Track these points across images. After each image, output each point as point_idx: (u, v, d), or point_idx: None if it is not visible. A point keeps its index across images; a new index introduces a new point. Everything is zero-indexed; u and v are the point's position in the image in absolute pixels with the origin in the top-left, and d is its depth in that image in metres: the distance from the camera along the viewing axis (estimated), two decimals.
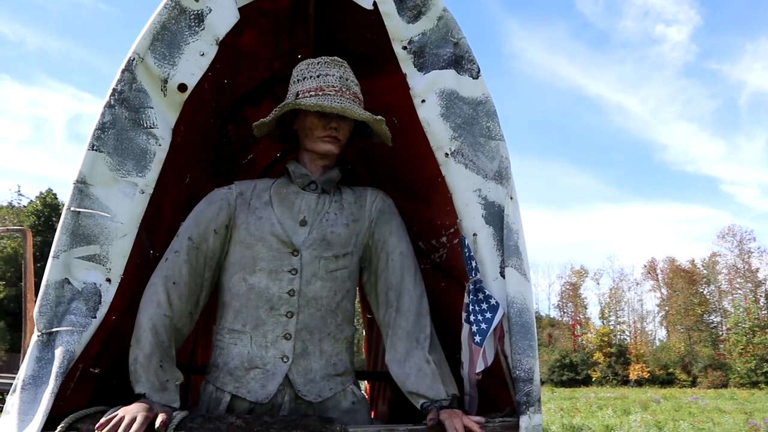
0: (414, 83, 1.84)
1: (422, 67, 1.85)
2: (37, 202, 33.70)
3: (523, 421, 1.60)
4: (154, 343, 1.64)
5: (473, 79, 1.84)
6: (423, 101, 1.81)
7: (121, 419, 1.44)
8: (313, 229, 1.81)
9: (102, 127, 1.68)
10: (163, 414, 1.49)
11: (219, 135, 2.67)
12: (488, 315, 1.67)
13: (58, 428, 1.43)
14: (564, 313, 68.67)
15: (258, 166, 3.03)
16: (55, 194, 33.86)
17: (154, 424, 1.46)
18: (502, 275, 1.73)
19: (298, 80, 1.84)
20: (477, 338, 1.68)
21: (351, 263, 1.85)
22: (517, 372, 1.64)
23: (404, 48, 1.84)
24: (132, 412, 1.47)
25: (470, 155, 1.79)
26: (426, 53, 1.85)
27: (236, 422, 1.51)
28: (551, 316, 68.53)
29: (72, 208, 1.63)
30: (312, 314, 1.76)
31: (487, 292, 1.69)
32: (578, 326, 62.64)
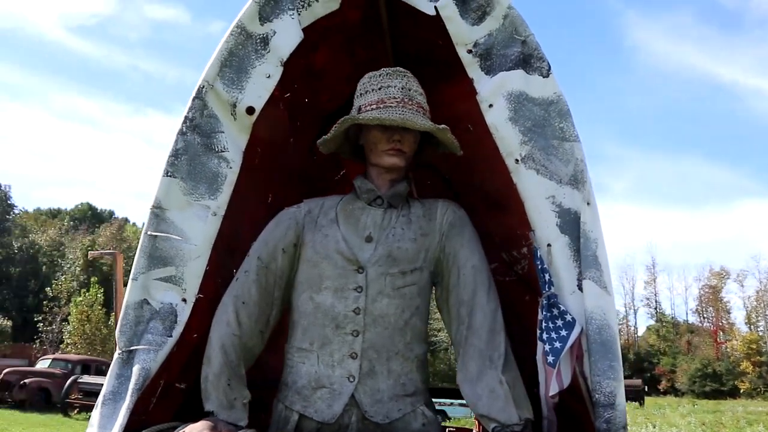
0: (481, 87, 1.77)
1: (489, 69, 1.77)
2: None
3: None
4: (223, 363, 1.67)
5: (543, 77, 1.73)
6: (490, 106, 1.74)
7: None
8: (378, 245, 1.77)
9: (175, 154, 1.75)
10: (220, 430, 1.51)
11: (309, 153, 2.71)
12: (563, 333, 1.55)
13: None
14: (704, 318, 64.13)
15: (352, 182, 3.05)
16: None
17: None
18: (580, 288, 1.60)
19: (360, 94, 1.82)
20: (550, 358, 1.56)
21: (421, 279, 1.78)
22: (597, 396, 1.51)
23: (469, 51, 1.78)
24: (197, 429, 1.50)
25: (542, 160, 1.68)
26: (493, 55, 1.77)
27: None
28: (689, 322, 64.20)
29: (149, 233, 1.71)
30: (379, 333, 1.72)
31: (562, 308, 1.58)
32: (721, 332, 58.20)
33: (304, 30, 1.93)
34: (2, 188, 53.31)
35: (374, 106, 1.75)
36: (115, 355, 1.63)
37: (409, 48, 2.44)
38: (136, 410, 1.60)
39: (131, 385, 1.58)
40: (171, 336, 1.67)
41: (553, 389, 1.57)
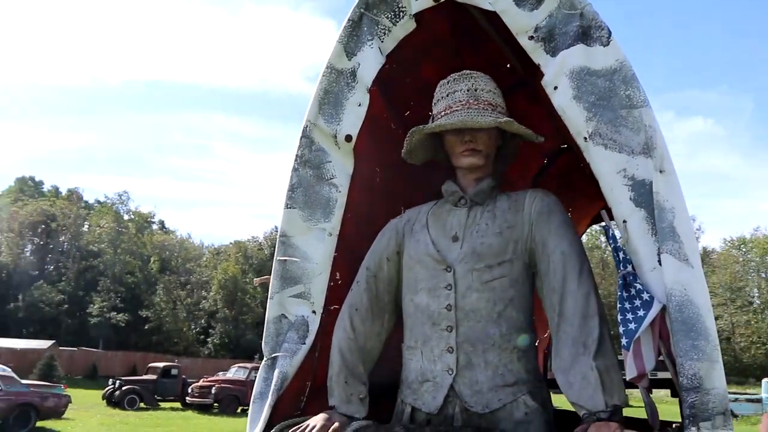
0: (546, 71, 1.71)
1: (554, 51, 1.71)
2: None
3: None
4: (341, 364, 1.90)
5: (604, 46, 1.61)
6: (555, 88, 1.67)
7: (306, 426, 1.73)
8: (464, 243, 1.82)
9: (292, 188, 2.04)
10: (336, 423, 1.72)
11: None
12: (640, 313, 1.41)
13: None
14: None
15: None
16: None
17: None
18: (660, 264, 1.45)
19: (435, 103, 1.90)
20: (624, 340, 1.43)
21: (512, 271, 1.78)
22: (681, 378, 1.35)
23: (531, 38, 1.74)
24: (315, 420, 1.75)
25: (609, 133, 1.56)
26: (556, 35, 1.71)
27: (396, 429, 1.65)
28: None
29: (278, 258, 2.03)
30: (472, 326, 1.76)
31: (639, 287, 1.44)
32: None
33: (399, 51, 2.08)
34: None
35: (443, 113, 1.82)
36: (262, 363, 1.97)
37: (501, 49, 2.39)
38: (284, 408, 1.92)
39: (272, 387, 1.89)
40: (304, 344, 1.95)
41: (630, 373, 1.45)
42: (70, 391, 17.71)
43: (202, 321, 57.96)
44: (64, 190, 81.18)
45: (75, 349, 43.97)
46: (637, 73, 1.57)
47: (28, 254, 72.32)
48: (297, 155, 2.06)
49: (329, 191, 2.03)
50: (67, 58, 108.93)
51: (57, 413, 15.56)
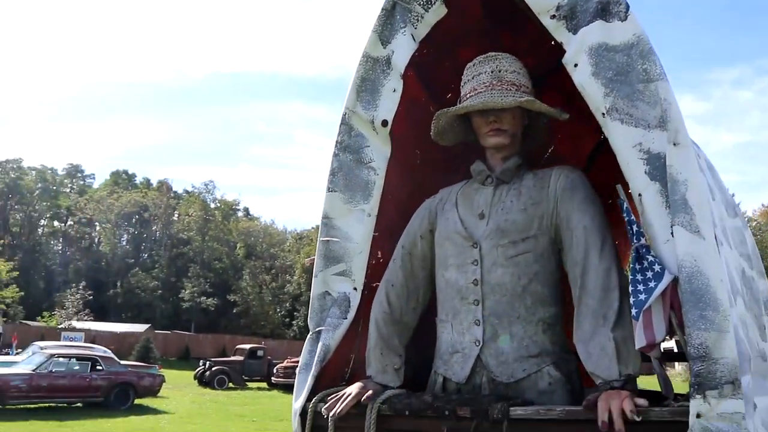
0: (568, 49, 1.74)
1: (576, 28, 1.73)
2: None
3: (694, 406, 1.32)
4: (377, 336, 2.01)
5: (622, 21, 1.63)
6: (576, 65, 1.70)
7: (343, 394, 1.86)
8: (489, 220, 1.88)
9: (333, 173, 2.16)
10: (370, 391, 1.84)
11: None
12: (651, 284, 1.44)
13: (313, 400, 1.93)
14: None
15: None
16: None
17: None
18: (673, 236, 1.47)
19: (462, 86, 1.96)
20: (633, 311, 1.46)
21: (536, 246, 1.82)
22: (688, 348, 1.37)
23: (552, 17, 1.77)
24: (352, 388, 1.87)
25: (626, 108, 1.58)
26: (577, 12, 1.73)
27: (426, 398, 1.75)
28: None
29: (321, 239, 2.15)
30: (497, 300, 1.83)
31: (651, 259, 1.46)
32: None
33: (435, 36, 2.15)
34: None
35: (468, 95, 1.89)
36: (308, 336, 2.11)
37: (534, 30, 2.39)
38: (329, 379, 2.05)
39: (316, 358, 2.02)
40: (346, 318, 2.07)
41: (639, 342, 1.47)
42: (165, 372, 18.79)
43: (287, 304, 59.68)
44: (154, 182, 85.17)
45: (169, 332, 46.41)
46: (654, 47, 1.58)
47: (124, 243, 76.56)
48: (337, 141, 2.17)
49: (368, 174, 2.14)
50: (152, 56, 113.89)
51: (152, 392, 16.56)
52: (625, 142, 1.59)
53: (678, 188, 1.47)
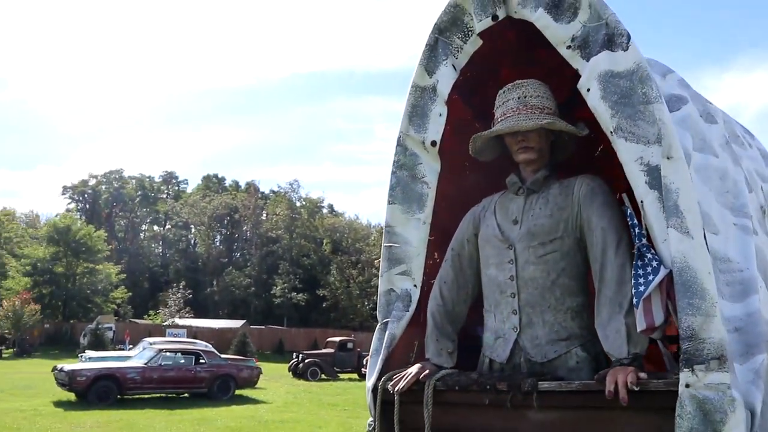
0: (582, 75, 2.02)
1: (588, 57, 2.01)
2: None
3: (683, 378, 1.59)
4: (432, 325, 2.35)
5: (624, 51, 1.88)
6: (588, 90, 1.98)
7: (406, 374, 2.22)
8: (522, 225, 2.18)
9: (392, 187, 2.52)
10: (427, 370, 2.19)
11: None
12: (650, 277, 1.72)
13: (382, 379, 2.30)
14: None
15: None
16: None
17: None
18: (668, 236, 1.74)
19: (495, 111, 2.27)
20: (635, 300, 1.74)
21: (563, 246, 2.10)
22: (679, 330, 1.64)
23: (568, 47, 2.04)
24: (412, 369, 2.23)
25: (628, 127, 1.84)
26: (589, 42, 2.00)
27: (472, 376, 2.09)
28: None
29: (385, 245, 2.52)
30: (530, 293, 2.13)
31: (649, 256, 1.73)
32: None
33: (476, 61, 2.47)
34: None
35: (499, 120, 2.21)
36: (377, 327, 2.49)
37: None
38: (396, 363, 2.42)
39: (384, 345, 2.40)
40: (408, 311, 2.43)
41: (640, 326, 1.75)
42: (261, 365, 19.84)
43: (374, 297, 60.70)
44: (243, 184, 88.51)
45: (263, 327, 48.37)
46: (651, 73, 1.84)
47: (217, 244, 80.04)
48: (394, 161, 2.53)
49: (421, 188, 2.49)
50: (232, 63, 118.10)
51: (251, 383, 17.57)
52: (629, 156, 1.86)
53: (671, 196, 1.73)
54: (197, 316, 52.62)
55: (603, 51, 1.94)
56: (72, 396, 15.61)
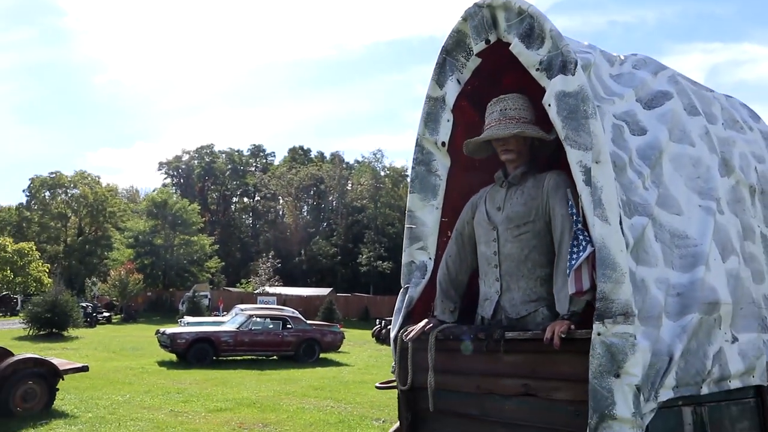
0: (547, 92, 2.55)
1: (550, 78, 2.53)
2: None
3: (595, 329, 2.12)
4: (440, 290, 2.96)
5: (573, 75, 2.40)
6: (549, 105, 2.50)
7: (415, 326, 2.86)
8: (503, 211, 2.74)
9: (412, 180, 3.13)
10: (431, 324, 2.81)
11: None
12: (581, 254, 2.27)
13: (401, 332, 2.94)
14: None
15: None
16: None
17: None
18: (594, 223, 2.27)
19: (485, 120, 2.83)
20: (568, 270, 2.30)
21: (534, 228, 2.64)
22: (597, 294, 2.19)
23: (537, 69, 2.56)
24: (422, 322, 2.85)
25: (573, 136, 2.35)
26: (553, 65, 2.52)
27: (463, 328, 2.70)
28: None
29: (407, 226, 3.14)
30: (509, 265, 2.69)
31: (581, 237, 2.27)
32: None
33: (481, 73, 3.02)
34: None
35: (485, 128, 2.77)
36: (400, 291, 3.13)
37: None
38: (414, 320, 3.05)
39: (404, 305, 3.04)
40: (424, 278, 3.06)
41: (570, 290, 2.30)
42: (346, 331, 20.98)
43: None
44: (328, 155, 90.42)
45: (349, 294, 50.07)
46: (590, 93, 2.35)
47: (305, 214, 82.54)
48: (414, 158, 3.14)
49: (435, 180, 3.09)
50: (314, 34, 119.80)
51: (334, 347, 18.71)
52: (572, 159, 2.36)
53: (596, 192, 2.24)
54: (286, 284, 54.97)
55: (559, 75, 2.45)
56: (173, 357, 17.33)
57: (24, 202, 75.15)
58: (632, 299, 2.15)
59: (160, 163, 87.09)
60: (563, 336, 2.25)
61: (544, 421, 2.38)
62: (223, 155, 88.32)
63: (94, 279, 48.68)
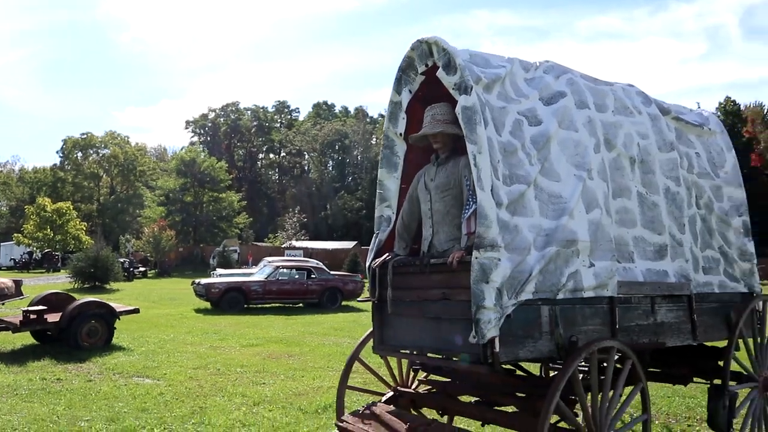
0: (458, 105, 3.87)
1: (460, 95, 3.85)
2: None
3: (474, 253, 3.45)
4: (397, 234, 4.29)
5: (468, 95, 3.71)
6: (458, 114, 3.82)
7: (380, 258, 4.26)
8: (435, 181, 4.06)
9: (381, 159, 4.47)
10: (390, 256, 4.20)
11: None
12: (470, 209, 3.65)
13: (371, 263, 4.35)
14: None
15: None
16: (734, 101, 33.59)
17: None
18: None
19: (423, 120, 4.17)
20: (462, 219, 3.69)
21: (453, 193, 3.94)
22: (474, 236, 3.56)
23: (453, 88, 3.87)
24: (384, 256, 4.24)
25: (469, 135, 3.62)
26: (461, 87, 3.82)
27: (409, 258, 4.10)
28: None
29: (378, 191, 4.51)
30: (437, 217, 4.02)
31: (470, 199, 3.63)
32: None
33: (428, 84, 4.35)
34: None
35: (423, 126, 4.11)
36: (373, 236, 4.52)
37: None
38: (382, 254, 4.45)
39: (375, 246, 4.42)
40: (389, 227, 4.44)
41: (464, 231, 3.67)
42: (367, 281, 22.46)
43: None
44: (351, 109, 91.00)
45: None
46: (479, 108, 3.67)
47: (330, 169, 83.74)
48: (383, 144, 4.50)
49: (396, 159, 4.44)
50: None
51: (355, 295, 20.26)
52: (468, 150, 3.65)
53: (477, 171, 3.52)
54: (312, 238, 56.75)
55: (463, 94, 3.77)
56: (208, 305, 19.15)
57: (58, 162, 77.76)
58: (498, 237, 3.51)
59: (187, 122, 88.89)
60: (458, 260, 3.64)
61: (453, 314, 3.79)
62: (249, 112, 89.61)
63: (128, 236, 51.07)
